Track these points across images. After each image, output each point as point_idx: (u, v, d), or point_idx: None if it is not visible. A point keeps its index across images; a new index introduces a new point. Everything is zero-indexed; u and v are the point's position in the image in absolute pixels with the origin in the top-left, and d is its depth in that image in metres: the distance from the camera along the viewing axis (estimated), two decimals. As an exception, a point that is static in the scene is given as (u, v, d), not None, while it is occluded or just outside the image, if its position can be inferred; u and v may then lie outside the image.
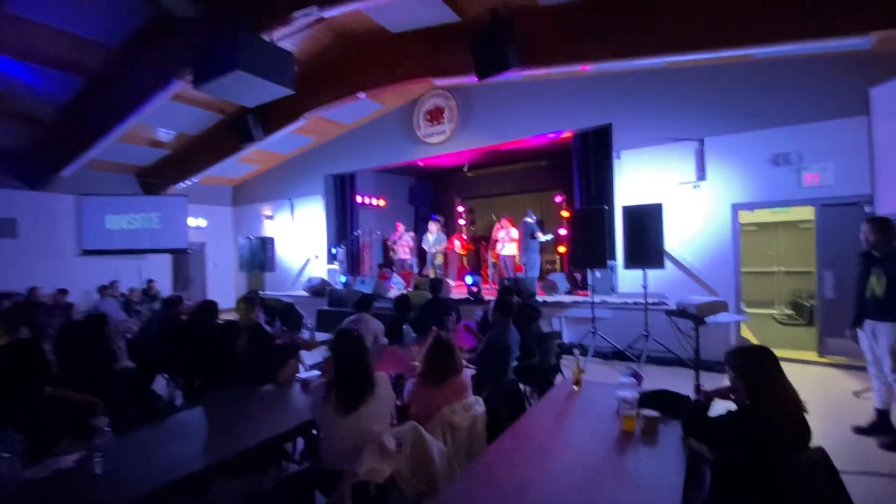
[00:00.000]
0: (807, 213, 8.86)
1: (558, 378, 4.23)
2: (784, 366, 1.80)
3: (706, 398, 1.95)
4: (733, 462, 1.79)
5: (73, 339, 3.14)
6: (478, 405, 2.47)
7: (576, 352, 2.70)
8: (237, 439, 2.20)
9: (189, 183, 10.43)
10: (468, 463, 2.43)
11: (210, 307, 3.18)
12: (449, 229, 11.13)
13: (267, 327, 5.03)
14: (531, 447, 1.97)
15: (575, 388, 2.67)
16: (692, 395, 2.87)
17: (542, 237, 7.72)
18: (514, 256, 8.66)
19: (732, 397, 1.91)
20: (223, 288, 11.97)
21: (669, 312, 3.33)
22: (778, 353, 1.84)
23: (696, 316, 2.93)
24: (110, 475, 1.82)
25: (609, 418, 2.28)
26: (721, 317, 3.07)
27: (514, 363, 3.49)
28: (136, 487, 1.75)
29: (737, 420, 1.79)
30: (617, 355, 6.01)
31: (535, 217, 8.08)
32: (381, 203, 11.76)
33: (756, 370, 1.80)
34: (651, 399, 2.21)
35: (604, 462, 1.82)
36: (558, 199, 10.39)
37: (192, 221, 11.16)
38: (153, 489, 1.75)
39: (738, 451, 1.77)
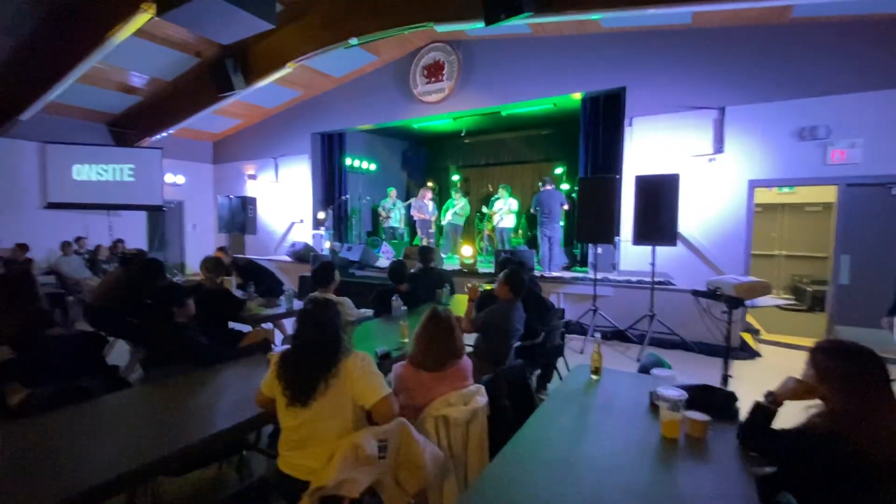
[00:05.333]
0: (815, 195, 8.55)
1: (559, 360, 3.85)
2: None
3: (774, 402, 1.54)
4: (809, 487, 1.39)
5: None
6: (479, 395, 2.04)
7: (596, 335, 2.27)
8: (178, 432, 1.75)
9: (165, 135, 9.65)
10: (465, 462, 2.04)
11: (153, 266, 2.69)
12: (442, 198, 10.60)
13: (239, 292, 4.58)
14: (550, 457, 1.55)
15: (593, 377, 2.25)
16: (723, 387, 2.47)
17: (567, 206, 7.14)
18: (513, 229, 8.17)
19: (812, 403, 1.49)
20: (203, 250, 11.31)
21: (697, 293, 2.93)
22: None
23: (733, 298, 2.54)
24: (-7, 481, 1.36)
25: (640, 417, 1.87)
26: (763, 300, 2.68)
27: (517, 343, 3.08)
28: (27, 498, 1.30)
29: (819, 439, 1.37)
30: (617, 335, 5.66)
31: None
32: (372, 167, 11.12)
33: (856, 378, 1.37)
34: (693, 397, 1.79)
35: (652, 483, 1.40)
36: (559, 170, 9.89)
37: (168, 178, 10.45)
38: (51, 502, 1.29)
39: (818, 474, 1.37)
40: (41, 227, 8.81)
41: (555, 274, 6.65)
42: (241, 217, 8.64)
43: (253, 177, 10.83)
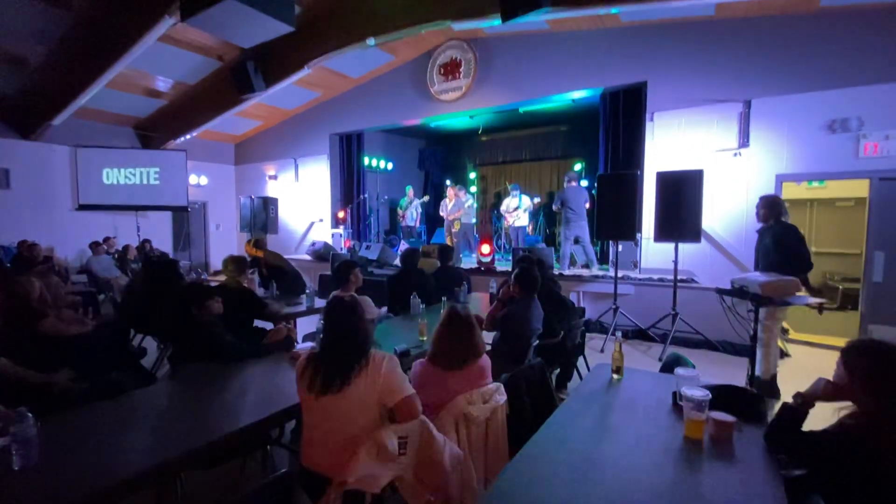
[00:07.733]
0: (846, 189, 8.24)
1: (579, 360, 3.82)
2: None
3: (804, 404, 1.49)
4: (839, 490, 1.35)
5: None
6: (498, 394, 2.04)
7: (618, 334, 2.24)
8: (204, 427, 1.80)
9: (188, 137, 9.89)
10: (485, 460, 2.04)
11: (170, 266, 2.77)
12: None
13: (262, 291, 4.68)
14: (571, 456, 1.54)
15: (615, 376, 2.22)
16: (749, 387, 2.41)
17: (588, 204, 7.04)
18: (527, 227, 8.13)
19: (843, 405, 1.45)
20: (227, 250, 11.57)
21: (721, 291, 2.86)
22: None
23: (760, 296, 2.47)
24: (32, 472, 1.42)
25: (663, 417, 1.84)
26: (792, 299, 2.60)
27: (536, 342, 3.06)
28: (64, 489, 1.36)
29: (850, 441, 1.33)
30: (639, 334, 5.57)
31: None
32: (390, 166, 11.18)
33: (888, 378, 1.32)
34: (718, 397, 1.76)
35: (675, 484, 1.38)
36: (578, 167, 9.78)
37: (192, 179, 10.72)
38: (87, 493, 1.35)
39: (849, 477, 1.33)
40: (73, 227, 9.16)
41: (574, 272, 6.58)
42: (262, 217, 8.80)
43: (274, 177, 11.02)
